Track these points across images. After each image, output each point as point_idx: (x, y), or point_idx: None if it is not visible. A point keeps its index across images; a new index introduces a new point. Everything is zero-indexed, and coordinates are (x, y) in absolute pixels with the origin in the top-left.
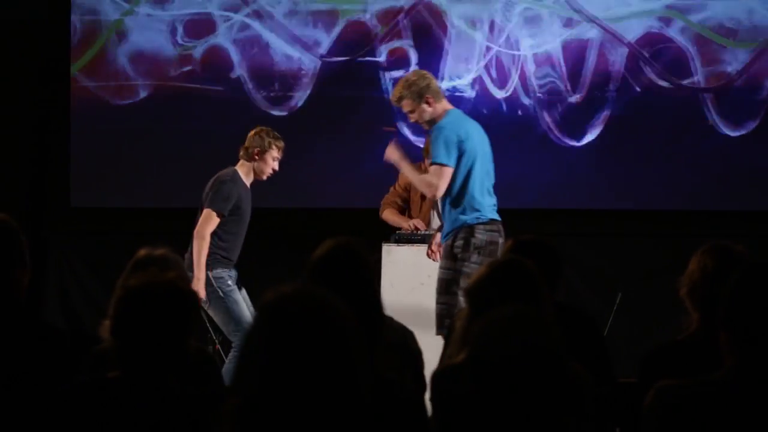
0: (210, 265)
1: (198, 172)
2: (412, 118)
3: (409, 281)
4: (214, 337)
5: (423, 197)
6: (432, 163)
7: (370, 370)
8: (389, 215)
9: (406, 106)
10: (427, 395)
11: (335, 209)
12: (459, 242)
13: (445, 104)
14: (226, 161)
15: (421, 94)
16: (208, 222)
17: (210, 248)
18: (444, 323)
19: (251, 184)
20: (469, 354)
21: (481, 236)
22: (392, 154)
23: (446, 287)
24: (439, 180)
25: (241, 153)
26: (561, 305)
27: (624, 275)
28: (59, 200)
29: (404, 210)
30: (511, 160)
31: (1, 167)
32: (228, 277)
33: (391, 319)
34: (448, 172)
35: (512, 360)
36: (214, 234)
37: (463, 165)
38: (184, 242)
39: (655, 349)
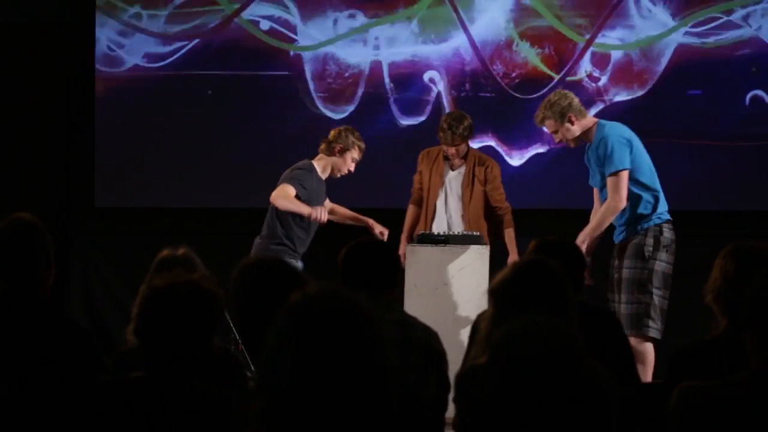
0: (278, 255)
1: (223, 172)
2: (557, 138)
3: (432, 281)
4: (238, 337)
5: (436, 174)
6: (609, 176)
7: (397, 371)
8: (407, 216)
9: (549, 126)
10: (451, 396)
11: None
12: (649, 240)
13: (590, 119)
14: (254, 160)
15: (563, 113)
16: (283, 190)
17: (279, 238)
18: (644, 322)
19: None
20: (488, 360)
21: (668, 234)
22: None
23: (639, 286)
24: (618, 189)
25: (323, 146)
26: (584, 305)
27: None
28: (84, 200)
29: (420, 198)
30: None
31: (27, 168)
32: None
33: (414, 319)
34: (624, 175)
35: (529, 368)
36: (285, 224)
37: (638, 164)
38: (207, 242)
39: (684, 349)
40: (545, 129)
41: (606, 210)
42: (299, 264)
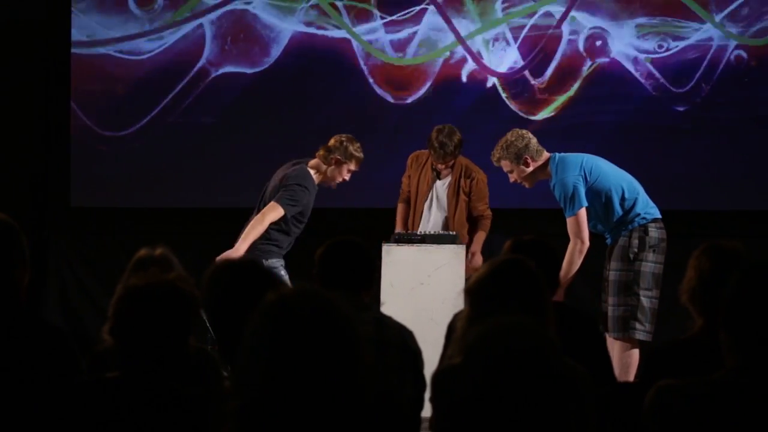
0: (265, 255)
1: (198, 172)
2: (512, 177)
3: (408, 281)
4: (214, 337)
5: (424, 180)
6: (567, 218)
7: (373, 370)
8: (397, 214)
9: (505, 166)
10: (427, 395)
11: (334, 209)
12: (634, 242)
13: (545, 156)
14: (228, 160)
15: (519, 155)
16: (273, 212)
17: (266, 238)
18: (630, 324)
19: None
20: (463, 360)
21: (654, 234)
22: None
23: (625, 288)
24: (579, 230)
25: (322, 153)
26: (561, 305)
27: None
28: (59, 200)
29: (407, 200)
30: None
31: (2, 167)
32: (281, 266)
33: (390, 318)
34: (582, 213)
35: (503, 367)
36: (273, 226)
37: (603, 183)
38: (184, 242)
39: (659, 349)
40: (502, 168)
41: (572, 253)
42: (282, 261)
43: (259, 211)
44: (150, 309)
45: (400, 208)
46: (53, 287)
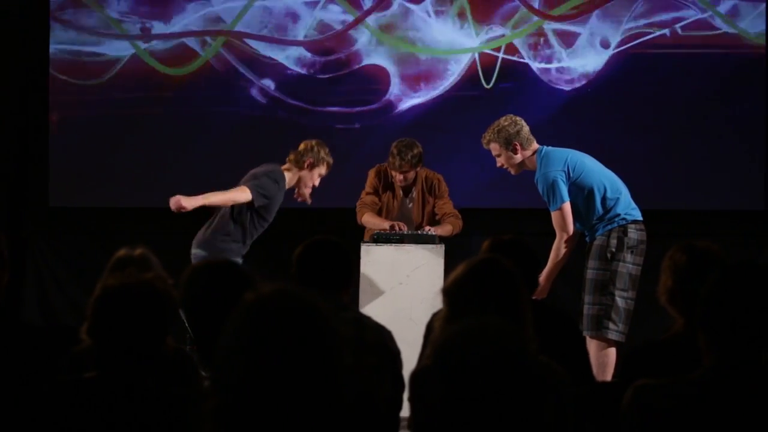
0: (225, 254)
1: (178, 172)
2: (499, 162)
3: (387, 281)
4: (192, 337)
5: (393, 197)
6: (552, 212)
7: (352, 370)
8: (370, 218)
9: (493, 150)
10: (406, 395)
11: (312, 209)
12: (612, 242)
13: (533, 146)
14: (205, 162)
15: (509, 140)
16: (240, 193)
17: (226, 239)
18: (603, 324)
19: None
20: (432, 361)
21: (634, 235)
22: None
23: (601, 287)
24: (564, 222)
25: (292, 158)
26: (539, 305)
27: None
28: (38, 200)
29: (380, 212)
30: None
31: None
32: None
33: (369, 318)
34: (566, 207)
35: (470, 369)
36: (235, 224)
37: (586, 179)
38: (163, 242)
39: (637, 349)
40: (491, 152)
41: (557, 247)
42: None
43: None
44: (127, 309)
45: (368, 215)
46: (32, 287)
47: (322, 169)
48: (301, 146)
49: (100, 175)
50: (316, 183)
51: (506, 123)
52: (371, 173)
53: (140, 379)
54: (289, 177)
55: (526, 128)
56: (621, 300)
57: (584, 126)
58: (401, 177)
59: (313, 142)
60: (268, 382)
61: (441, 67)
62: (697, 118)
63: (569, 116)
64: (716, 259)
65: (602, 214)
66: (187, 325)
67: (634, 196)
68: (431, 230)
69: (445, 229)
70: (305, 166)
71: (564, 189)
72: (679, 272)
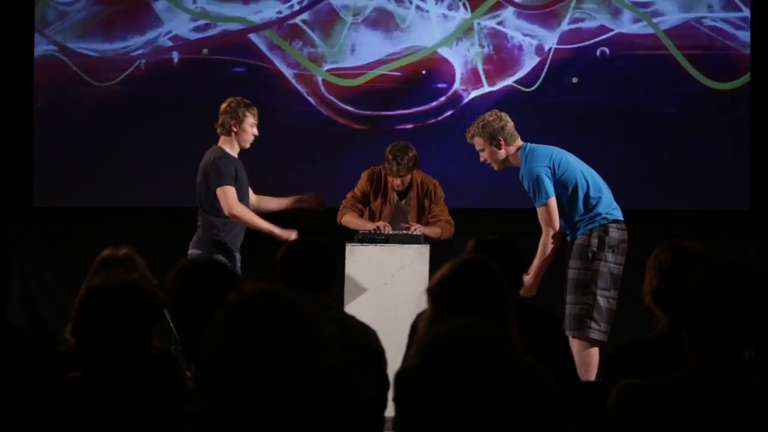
0: (222, 246)
1: (161, 171)
2: (482, 156)
3: (372, 281)
4: (177, 338)
5: (384, 203)
6: (538, 208)
7: (336, 370)
8: (350, 218)
9: (477, 144)
10: (391, 395)
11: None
12: (594, 241)
13: (518, 143)
14: (189, 161)
15: (493, 135)
16: (230, 197)
17: (217, 232)
18: (585, 323)
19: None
20: (418, 362)
21: (615, 234)
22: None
23: (583, 287)
24: (550, 219)
25: (219, 130)
26: (524, 305)
27: None
28: (23, 200)
29: (362, 215)
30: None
31: None
32: (238, 261)
33: (353, 318)
34: (552, 203)
35: (456, 370)
36: (218, 215)
37: (569, 176)
38: (147, 242)
39: (622, 349)
40: (475, 146)
41: (544, 244)
42: (237, 255)
43: (200, 204)
44: (111, 309)
45: (348, 216)
46: (17, 288)
47: (250, 120)
48: (219, 116)
49: (85, 175)
50: (255, 132)
51: (491, 118)
52: (364, 176)
53: (125, 380)
54: (229, 146)
55: (510, 123)
56: (603, 299)
57: (570, 125)
58: (399, 182)
59: (224, 104)
60: (251, 382)
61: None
62: (682, 118)
63: (556, 113)
64: (702, 259)
65: (584, 213)
66: (171, 324)
67: (620, 196)
68: (417, 230)
69: (433, 231)
70: (232, 128)
71: (549, 184)
72: (664, 272)
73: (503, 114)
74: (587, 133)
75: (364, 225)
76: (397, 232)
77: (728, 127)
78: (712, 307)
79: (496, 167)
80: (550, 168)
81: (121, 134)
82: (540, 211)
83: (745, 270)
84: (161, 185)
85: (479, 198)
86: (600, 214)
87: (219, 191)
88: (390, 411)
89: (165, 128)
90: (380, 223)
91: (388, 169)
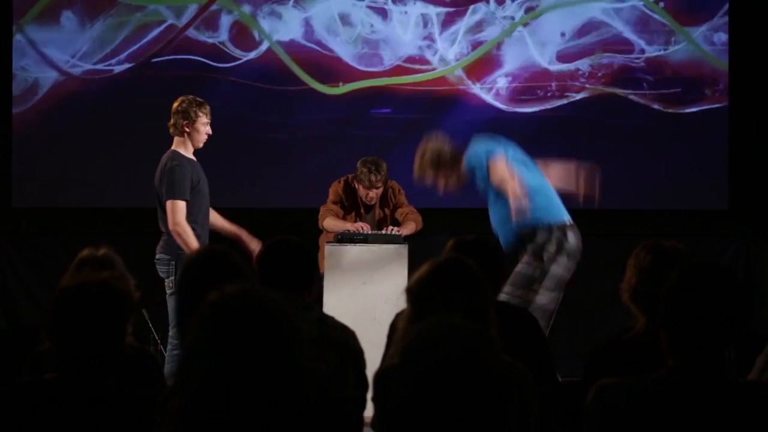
0: (173, 252)
1: (139, 172)
2: (441, 187)
3: (351, 280)
4: (156, 337)
5: (357, 215)
6: (490, 168)
7: (314, 370)
8: (332, 221)
9: (429, 179)
10: (370, 394)
11: (273, 209)
12: (551, 247)
13: (461, 157)
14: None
15: (436, 165)
16: (178, 212)
17: (172, 237)
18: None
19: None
20: (399, 362)
21: (572, 240)
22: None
23: (527, 282)
24: (503, 176)
25: (171, 131)
26: (503, 305)
27: None
28: (1, 201)
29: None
30: None
31: None
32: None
33: (332, 318)
34: (500, 159)
35: (437, 369)
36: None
37: (521, 170)
38: (126, 242)
39: (600, 348)
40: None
41: (515, 203)
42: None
43: (159, 203)
44: (82, 309)
45: (329, 219)
46: None
47: (203, 119)
48: (172, 114)
49: (63, 175)
50: (209, 131)
51: (426, 152)
52: (337, 187)
53: (100, 380)
54: (183, 147)
55: (446, 146)
56: (544, 298)
57: (552, 127)
58: (373, 194)
59: (175, 104)
60: (230, 381)
61: None
62: (662, 119)
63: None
64: (682, 260)
65: (531, 213)
66: (150, 325)
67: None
68: (395, 230)
69: (408, 227)
70: (185, 129)
71: (483, 149)
72: (643, 271)
73: (438, 139)
74: (566, 134)
75: (344, 226)
76: (376, 232)
77: (707, 127)
78: (690, 308)
79: (457, 187)
80: (495, 144)
81: (99, 135)
82: (491, 174)
83: (722, 270)
84: (139, 185)
85: (458, 198)
86: (551, 215)
87: (168, 204)
88: (369, 411)
89: (143, 129)
90: (360, 224)
91: (365, 181)
